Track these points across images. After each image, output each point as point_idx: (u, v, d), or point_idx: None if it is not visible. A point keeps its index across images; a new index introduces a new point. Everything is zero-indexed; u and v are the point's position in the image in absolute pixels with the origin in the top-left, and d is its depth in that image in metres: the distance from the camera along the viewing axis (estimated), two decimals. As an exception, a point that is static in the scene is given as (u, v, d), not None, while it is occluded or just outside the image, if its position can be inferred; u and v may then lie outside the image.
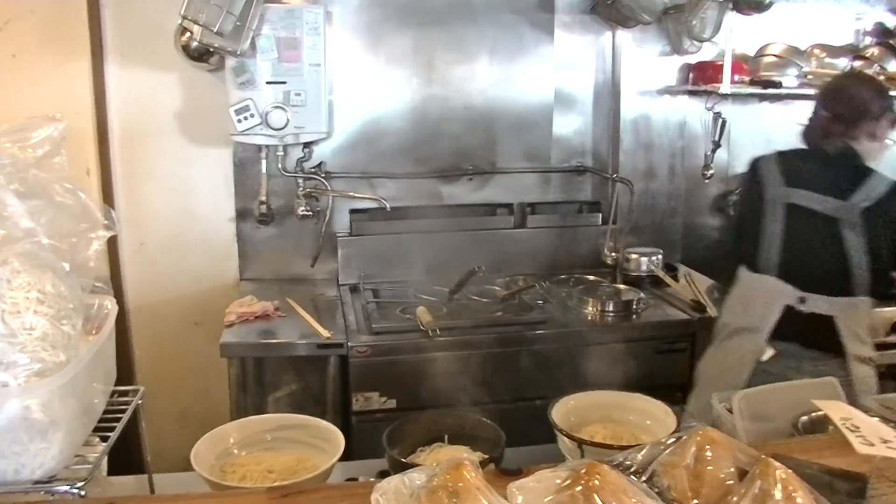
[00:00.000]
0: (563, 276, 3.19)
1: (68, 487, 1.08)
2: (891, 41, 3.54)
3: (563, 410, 1.65)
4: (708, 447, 1.00)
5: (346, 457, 1.52)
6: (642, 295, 2.93)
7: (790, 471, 0.93)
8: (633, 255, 3.21)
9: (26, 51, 2.72)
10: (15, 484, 1.12)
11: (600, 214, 3.38)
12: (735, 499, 0.93)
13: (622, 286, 3.05)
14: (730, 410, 1.71)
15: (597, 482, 0.89)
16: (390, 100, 3.13)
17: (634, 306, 2.85)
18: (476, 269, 2.83)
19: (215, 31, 2.55)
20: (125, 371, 1.98)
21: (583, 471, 0.92)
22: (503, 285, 3.02)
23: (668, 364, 2.76)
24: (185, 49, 2.87)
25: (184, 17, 2.56)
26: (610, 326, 2.77)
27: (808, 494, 0.92)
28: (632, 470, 1.02)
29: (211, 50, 2.74)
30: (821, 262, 2.19)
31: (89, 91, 2.83)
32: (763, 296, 2.25)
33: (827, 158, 2.24)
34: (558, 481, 0.94)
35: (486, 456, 1.50)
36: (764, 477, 0.92)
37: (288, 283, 3.09)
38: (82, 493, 1.08)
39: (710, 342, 2.45)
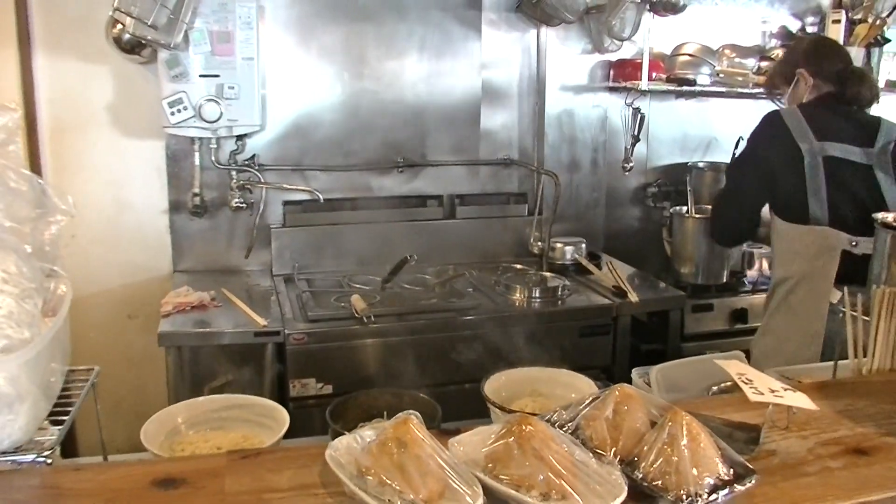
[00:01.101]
0: (491, 265, 3.31)
1: (35, 456, 1.13)
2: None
3: (494, 386, 1.74)
4: (625, 402, 1.13)
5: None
6: (567, 282, 3.06)
7: (695, 419, 1.06)
8: (558, 245, 3.36)
9: (-50, 41, 2.67)
10: (-18, 454, 1.15)
11: (527, 205, 3.51)
12: (646, 448, 1.06)
13: (548, 274, 3.19)
14: (647, 384, 1.86)
15: (528, 430, 1.01)
16: (322, 94, 3.18)
17: (559, 293, 2.97)
18: (408, 258, 2.92)
19: (149, 23, 2.55)
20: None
21: (515, 422, 1.04)
22: (434, 274, 3.11)
23: (591, 346, 2.90)
24: (117, 41, 2.84)
25: (116, 9, 2.57)
26: (537, 312, 2.89)
27: (709, 437, 1.05)
28: (558, 424, 1.14)
29: (143, 42, 2.74)
30: (864, 206, 2.28)
31: (17, 83, 2.80)
32: (818, 244, 2.35)
33: (842, 110, 2.45)
34: (493, 435, 1.06)
35: (424, 428, 1.59)
36: (673, 423, 1.05)
37: (222, 274, 3.12)
38: (49, 461, 1.14)
39: (771, 298, 2.53)
